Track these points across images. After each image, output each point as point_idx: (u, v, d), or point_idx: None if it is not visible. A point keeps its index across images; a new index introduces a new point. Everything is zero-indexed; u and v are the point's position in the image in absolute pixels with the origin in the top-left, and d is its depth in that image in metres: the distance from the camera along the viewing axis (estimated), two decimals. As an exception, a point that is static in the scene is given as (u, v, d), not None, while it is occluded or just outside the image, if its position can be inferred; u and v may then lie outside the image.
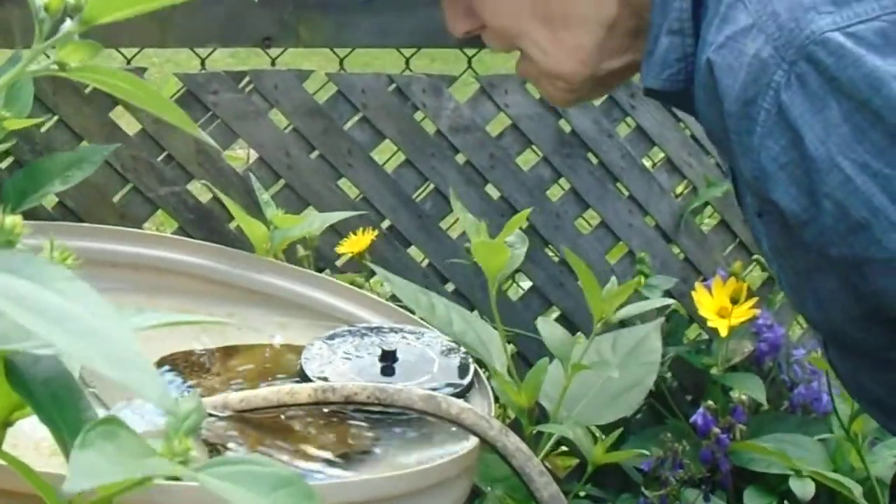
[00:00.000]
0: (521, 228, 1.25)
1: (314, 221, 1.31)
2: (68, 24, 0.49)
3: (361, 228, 1.48)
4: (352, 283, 1.44)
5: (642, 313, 1.25)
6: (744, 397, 1.54)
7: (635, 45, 0.91)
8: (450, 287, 1.63)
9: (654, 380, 1.23)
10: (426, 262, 1.63)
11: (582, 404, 1.22)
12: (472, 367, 1.02)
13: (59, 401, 0.45)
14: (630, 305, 1.20)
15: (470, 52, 1.63)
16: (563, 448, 1.41)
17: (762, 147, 0.77)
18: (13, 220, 0.46)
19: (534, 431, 1.21)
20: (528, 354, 1.58)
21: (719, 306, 1.48)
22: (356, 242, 1.47)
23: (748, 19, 0.78)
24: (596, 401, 1.22)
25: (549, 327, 1.24)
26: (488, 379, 1.05)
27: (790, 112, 0.75)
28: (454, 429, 0.92)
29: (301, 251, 1.43)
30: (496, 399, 1.08)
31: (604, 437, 1.26)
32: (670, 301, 1.45)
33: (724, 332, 1.49)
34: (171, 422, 0.46)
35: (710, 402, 1.53)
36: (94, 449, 0.43)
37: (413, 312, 1.15)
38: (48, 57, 0.50)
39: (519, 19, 0.90)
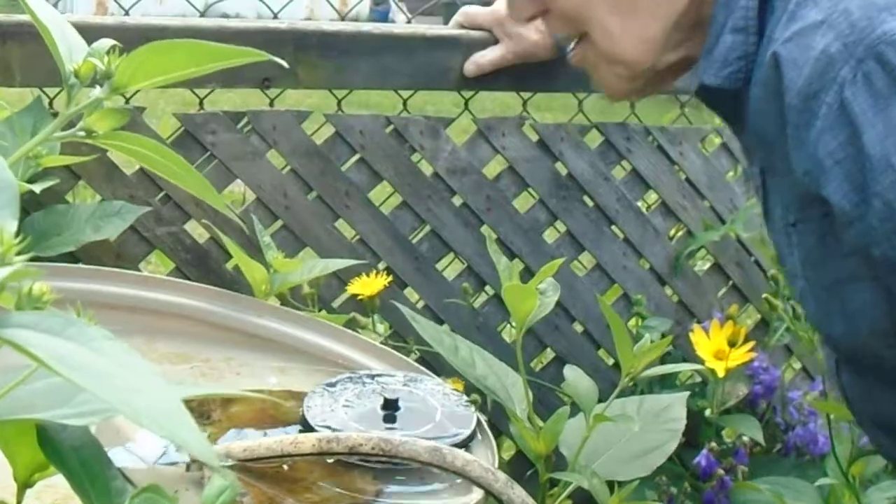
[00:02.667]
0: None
1: (315, 267, 1.30)
2: (97, 91, 0.49)
3: (374, 272, 1.47)
4: (353, 321, 1.44)
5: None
6: (745, 439, 1.54)
7: (693, 40, 0.92)
8: (445, 329, 1.62)
9: (675, 446, 1.22)
10: (422, 303, 1.63)
11: (602, 459, 1.20)
12: (475, 416, 1.02)
13: (89, 469, 0.46)
14: (657, 367, 1.19)
15: (467, 94, 1.63)
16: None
17: (819, 141, 0.77)
18: (41, 286, 0.46)
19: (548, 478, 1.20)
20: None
21: (716, 349, 1.49)
22: (368, 285, 1.45)
23: (818, 15, 0.78)
24: (616, 457, 1.20)
25: (573, 375, 1.21)
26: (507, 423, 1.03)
27: (852, 108, 0.75)
28: (459, 480, 0.92)
29: (289, 296, 1.42)
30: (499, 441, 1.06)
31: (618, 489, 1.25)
32: (698, 366, 1.45)
33: (720, 374, 1.49)
34: (208, 496, 0.47)
35: (714, 445, 1.53)
36: (142, 515, 0.46)
37: (426, 351, 1.14)
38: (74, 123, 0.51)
39: (588, 4, 0.90)
